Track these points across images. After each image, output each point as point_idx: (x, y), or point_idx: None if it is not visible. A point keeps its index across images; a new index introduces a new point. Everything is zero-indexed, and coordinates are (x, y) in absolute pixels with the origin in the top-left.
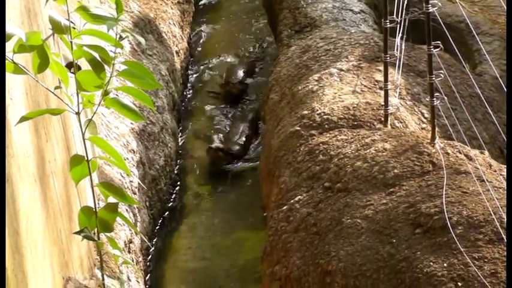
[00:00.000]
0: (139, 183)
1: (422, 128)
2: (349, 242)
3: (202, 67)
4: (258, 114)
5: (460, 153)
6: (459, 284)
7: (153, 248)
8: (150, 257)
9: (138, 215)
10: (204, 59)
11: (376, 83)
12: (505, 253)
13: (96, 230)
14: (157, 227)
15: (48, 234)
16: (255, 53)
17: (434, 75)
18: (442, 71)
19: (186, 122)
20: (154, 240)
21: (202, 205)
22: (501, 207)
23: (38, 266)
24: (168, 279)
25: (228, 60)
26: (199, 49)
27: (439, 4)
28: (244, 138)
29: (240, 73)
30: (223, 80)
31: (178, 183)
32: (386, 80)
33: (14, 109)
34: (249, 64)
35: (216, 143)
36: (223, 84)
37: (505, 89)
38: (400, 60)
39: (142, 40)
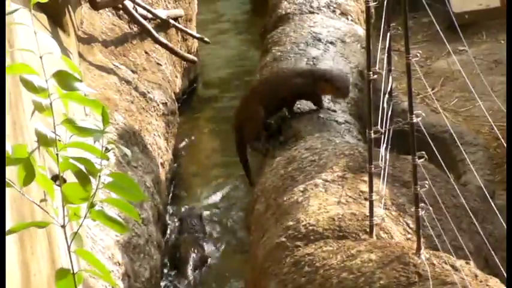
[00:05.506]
0: None
1: (408, 239)
2: None
3: None
4: None
5: (446, 263)
6: None
7: None
8: None
9: None
10: None
11: (361, 194)
12: None
13: None
14: None
15: None
16: None
17: (419, 186)
18: (426, 181)
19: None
20: None
21: None
22: None
23: None
24: None
25: None
26: None
27: (423, 114)
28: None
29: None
30: None
31: None
32: (371, 190)
33: None
34: None
35: None
36: None
37: (490, 199)
38: (384, 171)
39: (128, 152)
